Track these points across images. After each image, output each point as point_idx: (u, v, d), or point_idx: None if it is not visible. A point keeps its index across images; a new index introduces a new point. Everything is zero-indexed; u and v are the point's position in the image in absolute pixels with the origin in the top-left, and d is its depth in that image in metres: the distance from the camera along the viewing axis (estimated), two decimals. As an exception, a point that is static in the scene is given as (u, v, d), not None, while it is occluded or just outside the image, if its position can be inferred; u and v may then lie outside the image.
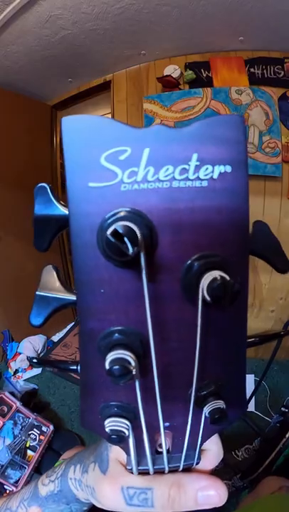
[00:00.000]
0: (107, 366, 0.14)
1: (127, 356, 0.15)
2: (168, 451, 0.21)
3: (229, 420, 0.19)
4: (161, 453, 0.22)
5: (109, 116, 1.97)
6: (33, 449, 1.43)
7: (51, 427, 1.51)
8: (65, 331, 2.43)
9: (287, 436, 1.13)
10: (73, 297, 0.17)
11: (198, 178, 0.14)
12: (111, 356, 0.15)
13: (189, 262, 0.15)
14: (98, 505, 0.24)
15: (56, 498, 0.30)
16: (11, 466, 1.34)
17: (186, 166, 0.14)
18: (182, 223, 0.15)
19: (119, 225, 0.12)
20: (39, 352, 2.11)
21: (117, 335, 0.16)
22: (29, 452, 1.41)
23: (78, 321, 0.17)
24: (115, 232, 0.12)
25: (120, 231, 0.12)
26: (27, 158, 2.05)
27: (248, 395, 1.62)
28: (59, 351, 2.18)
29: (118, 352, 0.15)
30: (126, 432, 0.18)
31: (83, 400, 0.19)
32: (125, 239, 0.12)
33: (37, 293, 0.18)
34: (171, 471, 0.22)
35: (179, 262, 0.15)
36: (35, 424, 1.51)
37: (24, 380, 1.90)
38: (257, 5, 1.38)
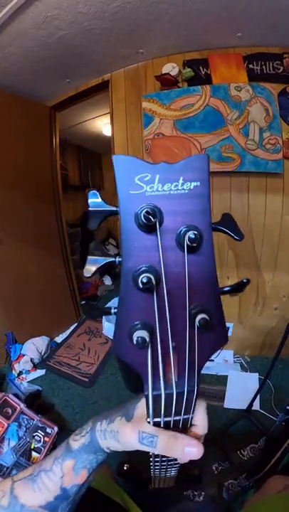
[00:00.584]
0: (139, 282, 0.25)
1: (151, 275, 0.25)
2: (174, 384, 0.30)
3: (215, 340, 0.29)
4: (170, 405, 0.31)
5: (108, 116, 1.96)
6: (38, 450, 1.43)
7: (56, 429, 1.50)
8: (68, 331, 2.43)
9: None
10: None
11: (183, 189, 0.26)
12: (141, 277, 0.25)
13: (180, 229, 0.26)
14: (116, 446, 0.36)
15: (87, 449, 0.38)
16: (16, 468, 1.34)
17: (177, 183, 0.25)
18: (176, 210, 0.26)
19: (148, 208, 0.24)
20: (42, 353, 2.11)
21: (144, 268, 0.26)
22: (34, 454, 1.41)
23: (120, 266, 0.27)
24: (147, 211, 0.24)
25: (149, 210, 0.24)
26: (27, 160, 2.05)
27: (252, 394, 1.61)
28: (62, 352, 2.18)
29: (145, 274, 0.25)
30: (147, 339, 0.26)
31: (117, 332, 0.28)
32: (150, 217, 0.24)
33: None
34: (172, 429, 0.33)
35: (175, 229, 0.26)
36: (40, 425, 1.51)
37: (28, 382, 1.90)
38: (254, 0, 1.36)
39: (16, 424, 1.49)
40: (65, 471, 0.37)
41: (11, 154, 1.94)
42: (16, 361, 1.99)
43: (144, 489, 0.90)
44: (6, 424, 1.44)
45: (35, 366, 2.04)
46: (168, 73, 1.64)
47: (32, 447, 1.43)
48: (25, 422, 1.51)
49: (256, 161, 1.59)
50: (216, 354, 2.04)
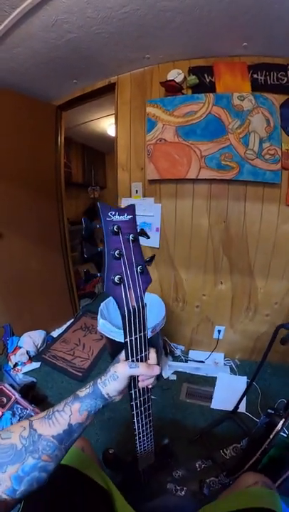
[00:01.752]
0: (115, 255, 0.52)
1: (119, 251, 0.52)
2: (134, 306, 0.56)
3: (146, 280, 0.57)
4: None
5: (113, 116, 1.99)
6: (30, 439, 1.48)
7: (48, 420, 1.56)
8: (64, 327, 2.49)
9: (271, 437, 1.16)
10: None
11: (127, 218, 0.54)
12: (115, 253, 0.51)
13: (128, 234, 0.54)
14: (115, 385, 0.57)
15: (90, 395, 0.56)
16: (8, 455, 1.40)
17: (124, 216, 0.54)
18: (126, 226, 0.53)
19: (115, 225, 0.52)
20: (39, 347, 2.17)
21: (116, 250, 0.52)
22: (26, 442, 1.47)
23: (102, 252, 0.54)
24: (116, 226, 0.52)
25: (116, 226, 0.52)
26: (32, 158, 2.09)
27: (239, 396, 1.66)
28: (58, 346, 2.24)
29: (116, 252, 0.52)
30: (120, 280, 0.52)
31: (106, 280, 0.52)
32: (116, 228, 0.52)
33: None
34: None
35: (126, 233, 0.53)
36: (33, 415, 1.56)
37: (23, 374, 1.96)
38: (260, 11, 1.38)
39: (10, 412, 1.55)
40: (72, 411, 0.54)
41: (16, 151, 1.98)
42: (13, 353, 2.05)
43: (132, 475, 0.97)
44: (0, 413, 1.50)
45: (31, 359, 2.10)
46: (173, 80, 1.66)
47: (24, 436, 1.49)
48: (19, 411, 1.57)
49: (254, 171, 1.62)
50: (206, 356, 2.10)
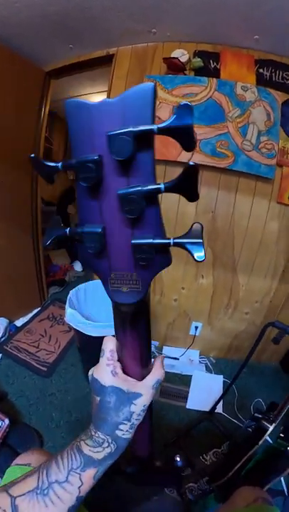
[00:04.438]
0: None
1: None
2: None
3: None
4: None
5: (104, 94, 1.86)
6: (-15, 444, 1.24)
7: (6, 421, 1.31)
8: (29, 315, 2.23)
9: (260, 443, 1.06)
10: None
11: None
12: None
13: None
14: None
15: (114, 455, 0.37)
16: None
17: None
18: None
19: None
20: (0, 336, 1.91)
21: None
22: (-22, 448, 1.23)
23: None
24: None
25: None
26: (12, 125, 1.85)
27: (216, 396, 1.58)
28: (22, 337, 1.99)
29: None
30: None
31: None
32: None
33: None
34: None
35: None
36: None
37: (-22, 366, 1.69)
38: (279, 7, 1.35)
39: None
40: (84, 480, 0.35)
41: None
42: None
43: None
44: None
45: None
46: (177, 58, 1.59)
47: (-22, 440, 1.24)
48: (-28, 411, 1.32)
49: (249, 163, 1.58)
50: (181, 352, 1.99)
